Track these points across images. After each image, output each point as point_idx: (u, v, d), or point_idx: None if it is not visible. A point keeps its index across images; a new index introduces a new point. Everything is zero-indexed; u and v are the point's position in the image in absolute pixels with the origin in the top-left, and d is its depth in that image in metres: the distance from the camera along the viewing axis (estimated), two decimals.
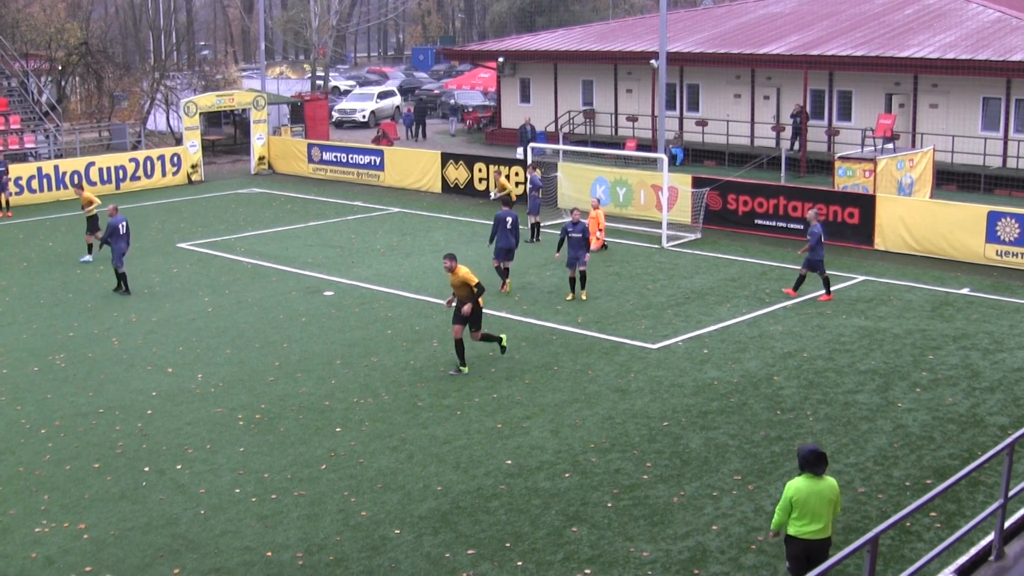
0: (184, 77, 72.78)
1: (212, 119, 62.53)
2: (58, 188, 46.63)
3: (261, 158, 53.21)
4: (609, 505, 16.89)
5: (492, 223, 30.21)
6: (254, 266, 33.21)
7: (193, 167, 50.63)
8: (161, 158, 50.26)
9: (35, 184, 46.15)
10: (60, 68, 65.93)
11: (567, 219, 31.64)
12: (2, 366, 24.45)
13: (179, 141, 55.22)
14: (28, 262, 34.11)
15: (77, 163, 47.99)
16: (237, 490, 17.73)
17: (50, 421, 20.96)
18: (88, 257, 34.37)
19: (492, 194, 35.22)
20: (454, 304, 23.08)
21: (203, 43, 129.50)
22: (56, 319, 28.11)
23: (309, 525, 16.45)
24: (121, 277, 30.27)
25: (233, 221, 40.84)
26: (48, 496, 17.80)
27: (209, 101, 53.75)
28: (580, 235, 28.15)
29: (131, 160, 49.52)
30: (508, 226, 29.64)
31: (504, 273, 29.96)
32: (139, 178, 49.18)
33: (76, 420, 20.96)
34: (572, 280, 28.64)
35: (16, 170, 45.26)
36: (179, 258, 34.64)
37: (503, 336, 23.86)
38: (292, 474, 18.27)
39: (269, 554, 15.61)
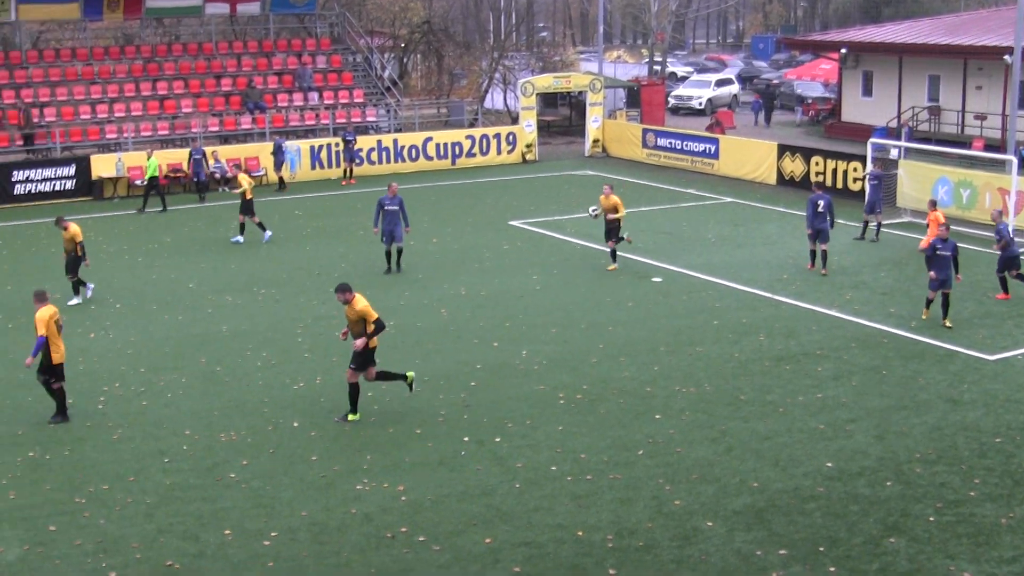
0: (522, 58, 73.92)
1: (548, 100, 63.30)
2: (396, 161, 48.40)
3: (595, 141, 53.58)
4: (931, 519, 16.16)
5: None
6: (583, 248, 33.42)
7: (528, 146, 51.48)
8: (497, 136, 51.35)
9: (375, 156, 48.10)
10: (403, 45, 68.12)
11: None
12: (336, 329, 25.32)
13: (515, 120, 56.12)
14: (364, 231, 35.28)
15: (415, 138, 49.57)
16: (553, 467, 17.84)
17: (377, 385, 21.58)
18: (239, 238, 35.11)
19: (590, 212, 32.78)
20: (349, 337, 20.41)
21: (542, 24, 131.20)
22: (390, 288, 28.98)
23: (622, 509, 16.40)
24: (388, 256, 30.78)
25: (565, 202, 41.23)
26: (370, 456, 18.38)
27: (546, 82, 54.49)
28: (950, 253, 25.50)
29: (467, 137, 50.80)
30: (819, 208, 29.84)
31: (822, 257, 30.07)
32: (474, 155, 50.37)
33: (402, 386, 21.49)
34: (930, 301, 26.10)
35: (358, 142, 47.12)
36: (510, 235, 35.20)
37: (410, 374, 20.91)
38: (609, 457, 18.25)
39: (580, 533, 15.64)
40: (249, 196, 34.49)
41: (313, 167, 47.17)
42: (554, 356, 23.34)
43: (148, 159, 40.49)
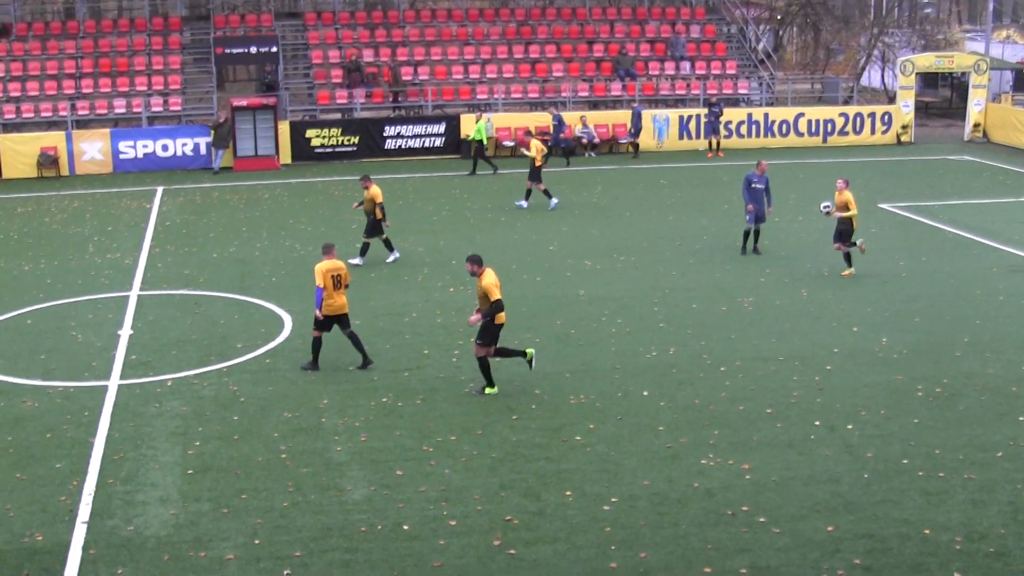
0: (903, 35, 71.61)
1: (928, 80, 61.17)
2: (766, 135, 47.86)
3: (976, 125, 51.33)
4: None
5: None
6: (955, 236, 32.09)
7: (904, 128, 49.85)
8: (872, 115, 49.97)
9: (743, 129, 47.73)
10: (779, 18, 66.99)
11: None
12: (693, 301, 25.32)
13: (892, 100, 54.46)
14: (729, 204, 34.97)
15: (787, 113, 48.85)
16: (905, 461, 17.22)
17: (731, 360, 21.42)
18: (554, 201, 35.28)
19: (822, 208, 29.14)
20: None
21: (926, 1, 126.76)
22: (749, 263, 28.70)
23: (974, 510, 15.65)
24: (745, 235, 29.88)
25: (939, 187, 39.72)
26: (718, 432, 18.23)
27: (927, 61, 52.58)
28: None
29: (841, 115, 49.67)
30: None
31: None
32: (847, 133, 49.22)
33: (756, 364, 21.27)
34: None
35: (728, 114, 46.83)
36: (879, 218, 34.15)
37: (493, 390, 19.90)
38: (964, 455, 17.46)
39: (927, 532, 15.03)
40: (539, 163, 34.79)
41: (681, 137, 47.24)
42: (915, 346, 22.51)
43: (477, 122, 41.34)
